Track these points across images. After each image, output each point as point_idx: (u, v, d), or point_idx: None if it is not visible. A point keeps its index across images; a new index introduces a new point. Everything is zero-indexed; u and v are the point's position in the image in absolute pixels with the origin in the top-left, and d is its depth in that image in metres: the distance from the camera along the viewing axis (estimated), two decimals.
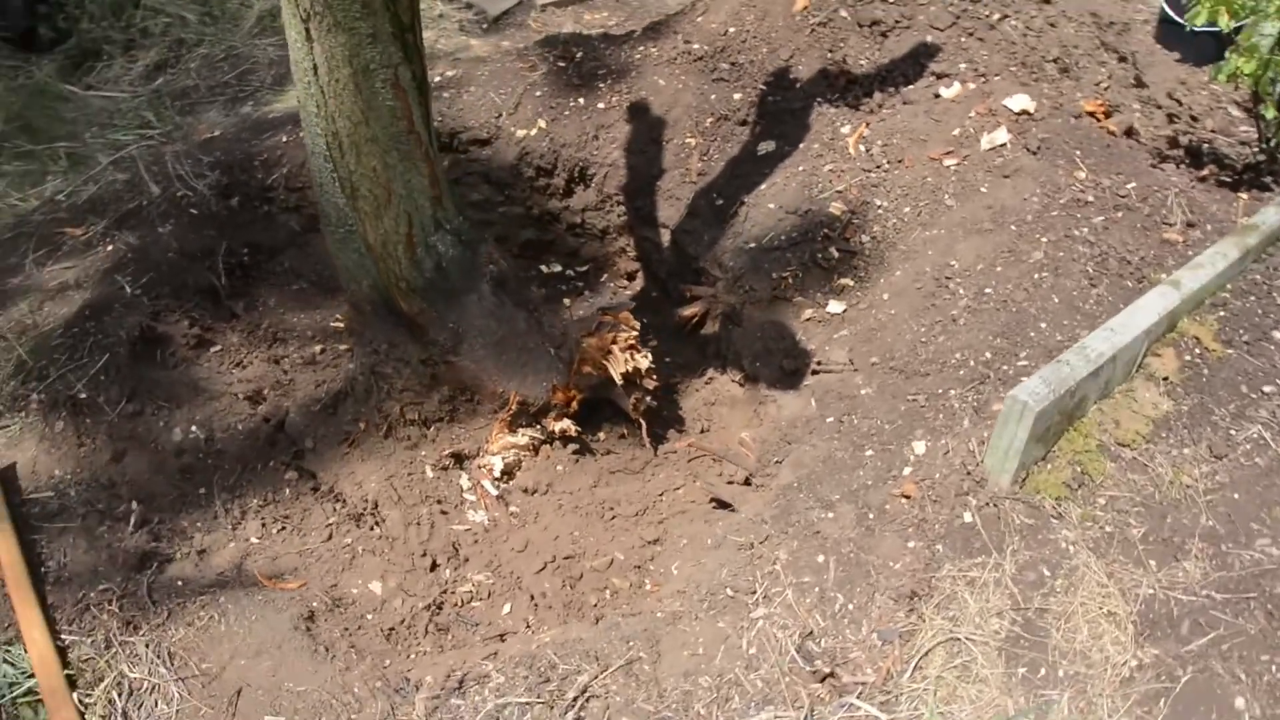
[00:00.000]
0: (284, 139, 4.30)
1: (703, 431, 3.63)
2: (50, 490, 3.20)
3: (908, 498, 2.78)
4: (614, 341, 3.39)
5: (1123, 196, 3.41)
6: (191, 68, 4.77)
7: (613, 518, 3.34)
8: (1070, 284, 3.15)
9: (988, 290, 3.19)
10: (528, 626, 3.07)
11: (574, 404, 3.43)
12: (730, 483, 3.30)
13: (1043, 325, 3.05)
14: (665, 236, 4.09)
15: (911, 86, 3.86)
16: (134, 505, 3.25)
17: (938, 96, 3.78)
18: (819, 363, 3.37)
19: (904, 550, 2.70)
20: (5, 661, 2.87)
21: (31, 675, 2.81)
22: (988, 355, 3.04)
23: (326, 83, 2.83)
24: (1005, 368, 2.99)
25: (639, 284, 4.28)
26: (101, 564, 3.04)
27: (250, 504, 3.41)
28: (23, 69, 4.81)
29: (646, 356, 3.42)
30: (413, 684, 2.73)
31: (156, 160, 4.32)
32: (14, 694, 2.79)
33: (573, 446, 3.48)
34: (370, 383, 3.43)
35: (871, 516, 2.78)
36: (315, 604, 3.01)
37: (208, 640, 2.83)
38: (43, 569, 3.02)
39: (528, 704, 2.57)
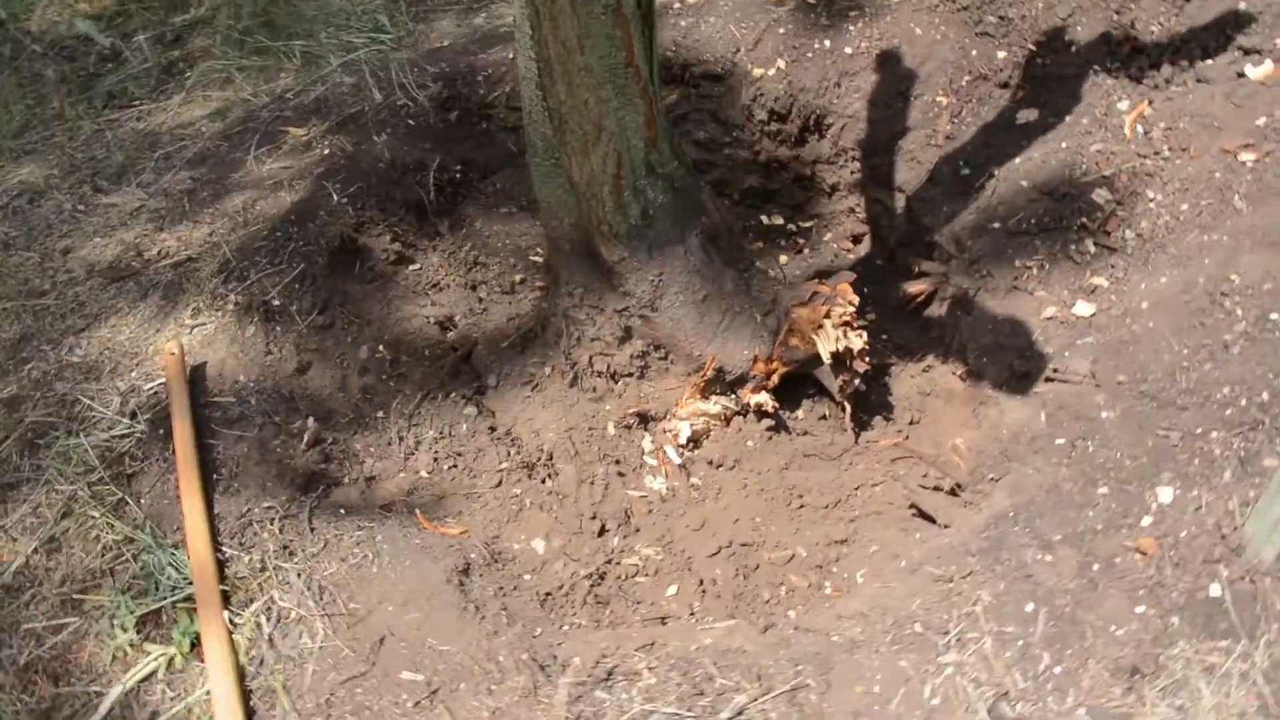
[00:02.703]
0: (510, 54, 3.94)
1: (912, 423, 3.12)
2: (233, 395, 3.00)
3: (1144, 553, 2.23)
4: (828, 315, 2.90)
5: None
6: None
7: (800, 507, 2.90)
8: None
9: (1274, 316, 2.54)
10: (692, 613, 2.69)
11: (774, 377, 2.98)
12: (936, 488, 2.79)
13: None
14: (899, 201, 3.54)
15: (1210, 62, 3.14)
16: (310, 422, 3.01)
17: (1242, 76, 3.06)
18: (1055, 370, 2.80)
19: (1130, 615, 2.17)
20: (171, 565, 2.69)
21: (191, 583, 2.62)
22: (1264, 397, 2.40)
23: (542, 2, 2.41)
24: None
25: (864, 249, 3.76)
26: (270, 479, 2.82)
27: (425, 435, 3.13)
28: None
29: (861, 336, 2.92)
30: (560, 663, 2.38)
31: (383, 66, 4.05)
32: (174, 597, 2.60)
33: (767, 422, 3.04)
34: (562, 326, 3.06)
35: (1096, 568, 2.25)
36: (473, 555, 2.72)
37: (358, 579, 2.57)
38: (214, 475, 2.82)
39: (676, 715, 2.18)
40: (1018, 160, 3.25)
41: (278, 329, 3.20)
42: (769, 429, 3.05)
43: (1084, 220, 2.99)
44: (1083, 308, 2.89)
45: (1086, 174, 3.07)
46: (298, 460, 2.93)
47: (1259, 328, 2.55)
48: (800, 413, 3.14)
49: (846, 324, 2.93)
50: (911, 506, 2.79)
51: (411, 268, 3.60)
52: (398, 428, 3.16)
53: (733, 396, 3.02)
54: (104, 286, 3.48)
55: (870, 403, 3.17)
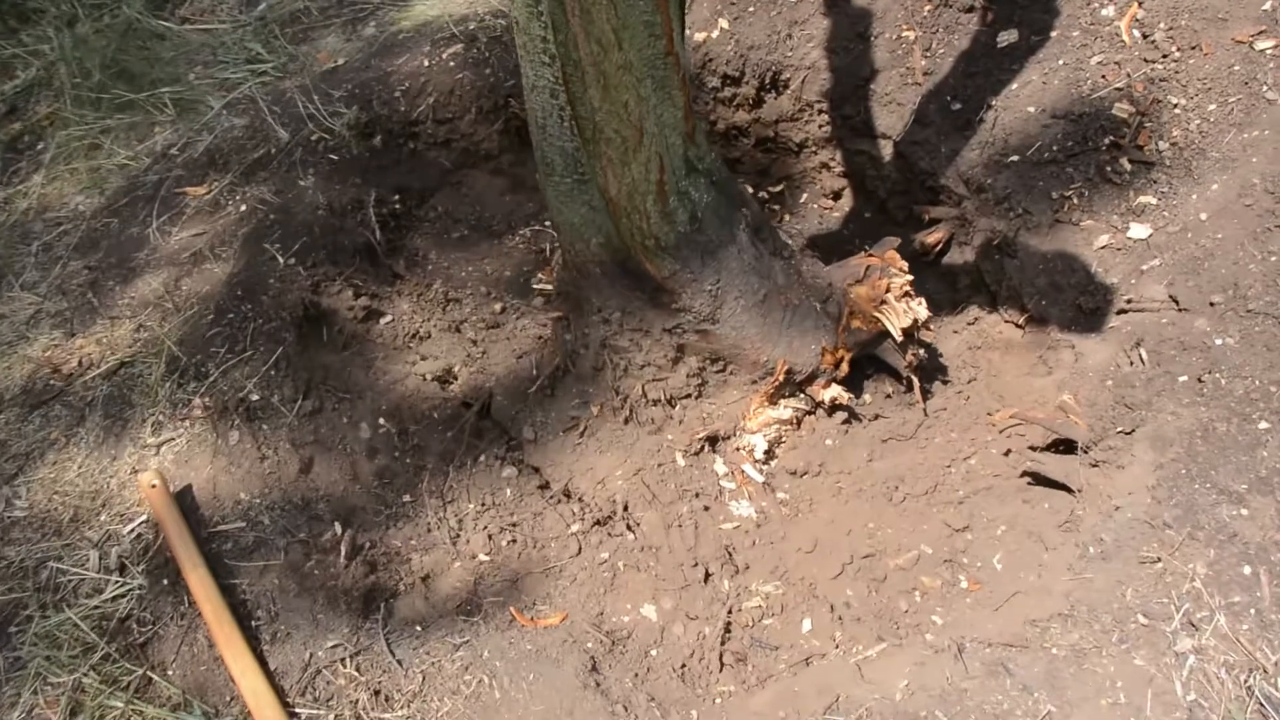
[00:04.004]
0: (424, 62, 3.40)
1: (970, 382, 2.85)
2: (239, 519, 2.45)
3: None
4: (888, 290, 2.58)
5: None
6: None
7: (902, 500, 2.60)
8: None
9: None
10: (837, 646, 2.35)
11: (844, 366, 2.64)
12: (1047, 448, 2.53)
13: None
14: (887, 149, 3.22)
15: None
16: (338, 528, 2.49)
17: None
18: (1128, 300, 2.58)
19: None
20: None
21: None
22: None
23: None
24: None
25: (847, 204, 3.43)
26: (320, 611, 2.32)
27: (466, 511, 2.66)
28: (108, 6, 3.86)
29: (922, 304, 2.62)
30: None
31: (278, 99, 3.43)
32: None
33: (841, 416, 2.71)
34: (603, 358, 2.63)
35: None
36: (589, 644, 2.29)
37: (483, 711, 2.10)
38: (252, 622, 2.28)
39: None
40: (1015, 86, 2.99)
41: (264, 428, 2.64)
42: (843, 422, 2.73)
43: (1111, 138, 2.76)
44: (1138, 230, 2.67)
45: (1096, 89, 2.84)
46: (343, 579, 2.42)
47: None
48: (867, 396, 2.83)
49: (907, 294, 2.62)
50: (1024, 475, 2.53)
51: (384, 321, 3.07)
52: (433, 510, 2.67)
53: (803, 396, 2.68)
54: (24, 418, 2.81)
55: (923, 369, 2.88)
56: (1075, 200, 2.78)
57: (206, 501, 2.53)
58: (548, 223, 3.48)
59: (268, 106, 3.41)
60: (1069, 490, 2.42)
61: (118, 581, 2.42)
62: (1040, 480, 2.50)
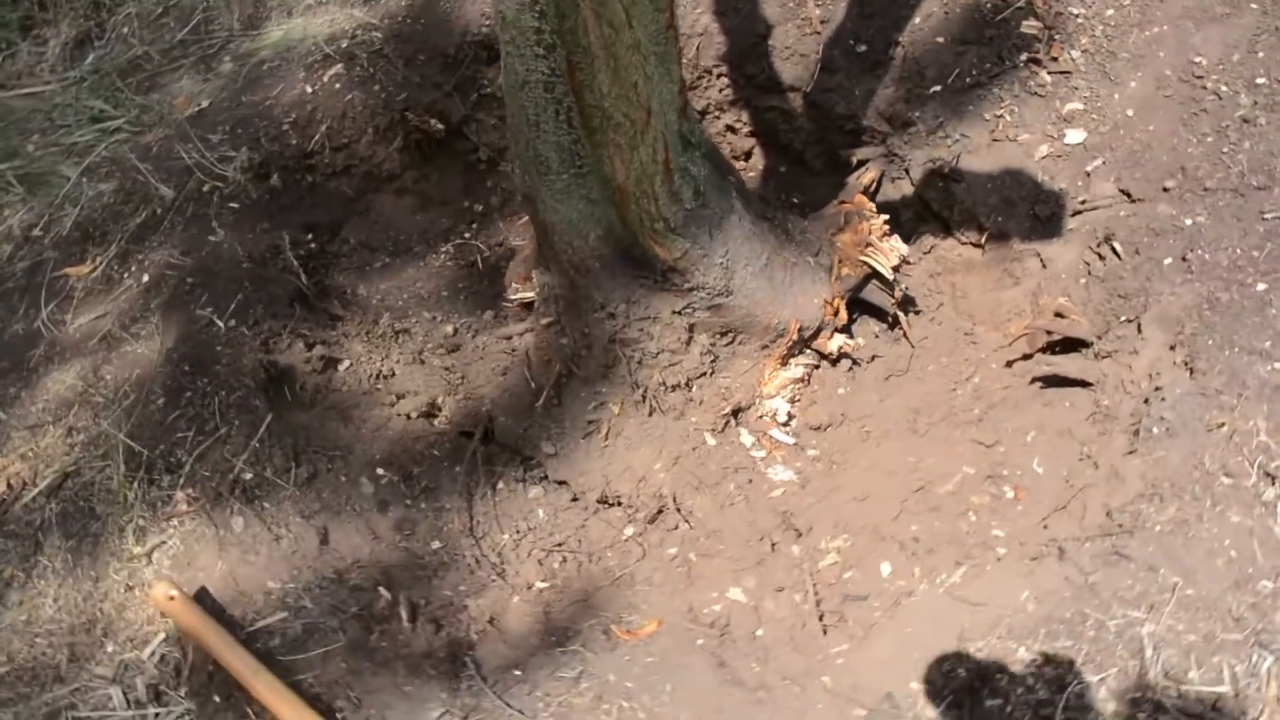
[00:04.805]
0: (307, 89, 3.12)
1: (940, 307, 2.91)
2: (280, 609, 2.19)
3: None
4: (870, 233, 2.59)
5: None
6: (125, 33, 3.39)
7: (926, 430, 2.63)
8: None
9: (1260, 82, 2.58)
10: (922, 581, 2.35)
11: (841, 314, 2.63)
12: (1045, 351, 2.61)
13: None
14: (797, 101, 3.23)
15: None
16: (384, 593, 2.26)
17: None
18: (1082, 201, 2.71)
19: None
20: None
21: None
22: None
23: None
24: None
25: (759, 163, 3.41)
26: (405, 682, 2.12)
27: (502, 542, 2.50)
28: None
29: (898, 240, 2.64)
30: (896, 697, 1.99)
31: (145, 155, 3.05)
32: None
33: (845, 364, 2.70)
34: (612, 354, 2.50)
35: None
36: (700, 640, 2.19)
37: None
38: (338, 716, 2.04)
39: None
40: (917, 20, 3.05)
41: (267, 506, 2.36)
42: (848, 370, 2.72)
43: (1026, 55, 2.87)
44: (1074, 135, 2.80)
45: (999, 11, 2.94)
46: (415, 643, 2.20)
47: (1264, 94, 2.58)
48: (860, 339, 2.83)
49: (886, 234, 2.64)
50: (1034, 381, 2.61)
51: (343, 368, 2.80)
52: (468, 550, 2.47)
53: (809, 352, 2.65)
54: None
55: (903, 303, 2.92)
56: (1008, 118, 2.89)
57: (231, 600, 2.24)
58: (467, 235, 3.31)
59: (138, 165, 3.03)
60: (1085, 385, 2.53)
61: (157, 713, 2.11)
62: (1054, 382, 2.59)
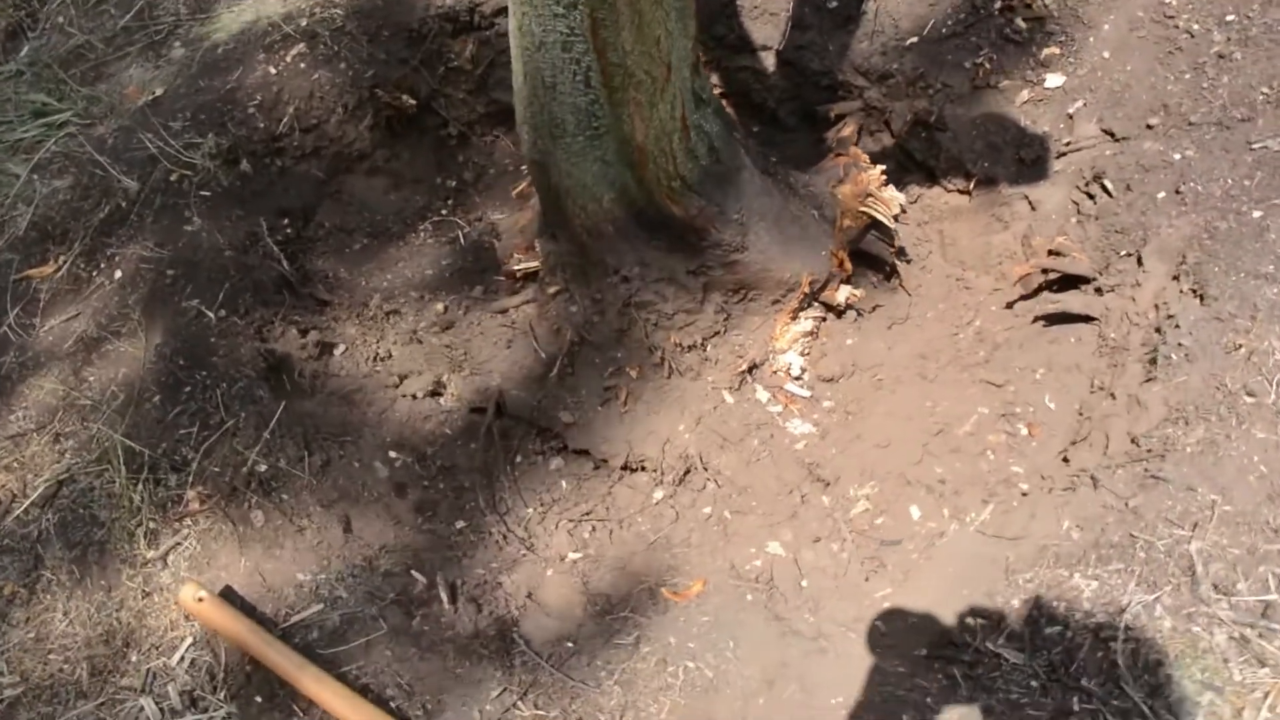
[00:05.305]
0: (270, 70, 2.97)
1: (930, 255, 2.93)
2: (315, 602, 2.11)
3: None
4: (869, 183, 2.58)
5: None
6: (61, 22, 3.18)
7: (935, 375, 2.64)
8: None
9: (1230, 19, 2.64)
10: (953, 521, 2.36)
11: (846, 265, 2.62)
12: (1043, 290, 2.64)
13: None
14: (769, 60, 3.20)
15: None
16: (417, 576, 2.18)
17: None
18: (1066, 143, 2.74)
19: None
20: None
21: None
22: None
23: None
24: None
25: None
26: (458, 665, 2.04)
27: (527, 515, 2.44)
28: None
29: (895, 190, 2.64)
30: (953, 633, 1.99)
31: (103, 147, 2.88)
32: None
33: (850, 315, 2.69)
34: (627, 318, 2.44)
35: None
36: (749, 596, 2.16)
37: (703, 696, 1.93)
38: (392, 704, 1.96)
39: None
40: None
41: (285, 497, 2.25)
42: (853, 321, 2.71)
43: (1000, 2, 2.90)
44: (1053, 79, 2.83)
45: None
46: (460, 624, 2.12)
47: (1235, 30, 2.64)
48: (860, 290, 2.83)
49: (883, 183, 2.64)
50: (1037, 320, 2.64)
51: (339, 352, 2.69)
52: (494, 527, 2.40)
53: (817, 305, 2.63)
54: None
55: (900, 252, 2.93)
56: (987, 65, 2.91)
57: (261, 597, 2.13)
58: (444, 212, 3.21)
59: (96, 157, 2.86)
60: (1089, 320, 2.57)
61: (196, 719, 1.99)
62: (1057, 320, 2.63)
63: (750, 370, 2.59)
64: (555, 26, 1.99)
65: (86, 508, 2.29)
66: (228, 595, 2.13)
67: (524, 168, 2.91)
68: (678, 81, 2.10)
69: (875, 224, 2.68)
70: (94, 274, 2.73)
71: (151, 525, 2.22)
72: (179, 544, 2.20)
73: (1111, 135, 2.73)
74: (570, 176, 2.25)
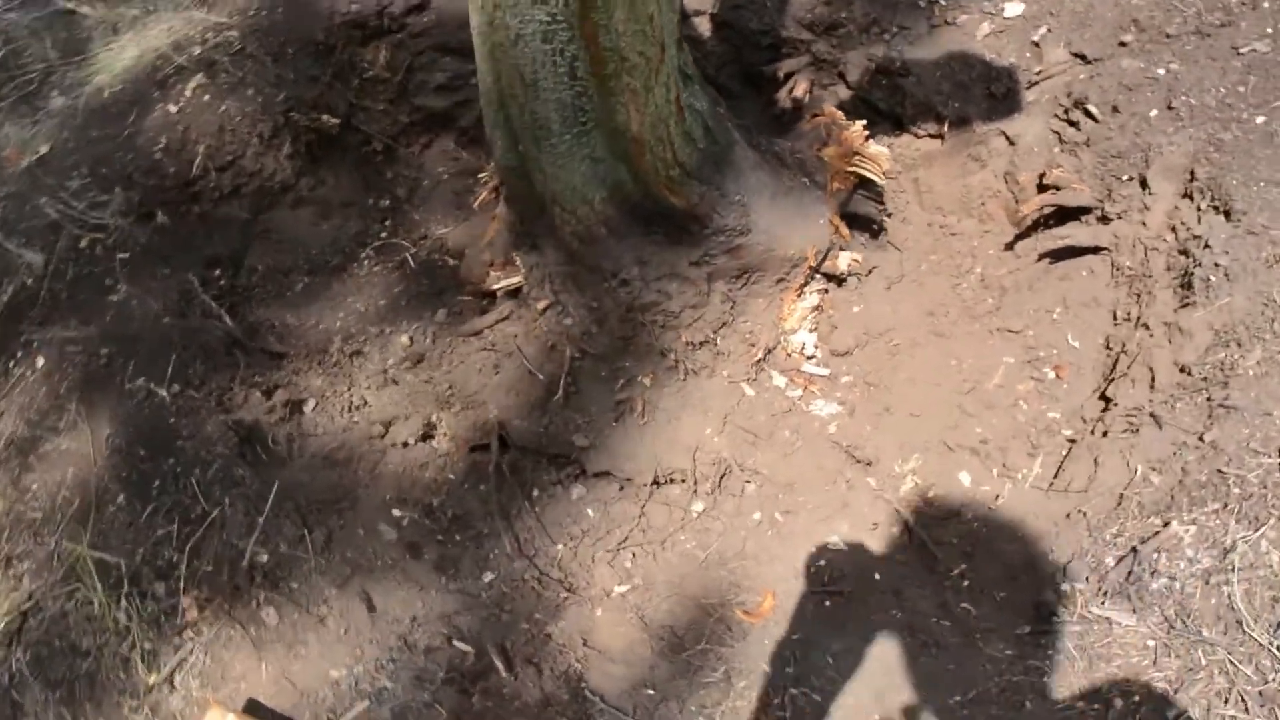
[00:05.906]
0: (171, 108, 2.64)
1: (908, 205, 2.78)
2: (360, 698, 1.86)
3: None
4: (853, 141, 2.42)
5: None
6: None
7: (949, 330, 2.50)
8: None
9: None
10: (1008, 481, 2.23)
11: (843, 231, 2.45)
12: (1038, 227, 2.53)
13: None
14: (704, 25, 3.00)
15: None
16: (461, 646, 1.95)
17: None
18: (1037, 72, 2.62)
19: None
20: None
21: None
22: None
23: None
24: None
25: None
26: None
27: (557, 553, 2.21)
28: None
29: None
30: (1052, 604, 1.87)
31: None
32: None
33: (851, 282, 2.53)
34: (630, 324, 2.22)
35: None
36: (829, 603, 1.98)
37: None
38: None
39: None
40: None
41: (295, 585, 1.98)
42: (854, 288, 2.55)
43: None
44: (1013, 8, 2.70)
45: None
46: (527, 693, 1.88)
47: None
48: (858, 256, 2.66)
49: (866, 139, 2.48)
50: (1043, 257, 2.52)
51: (309, 409, 2.40)
52: (527, 574, 2.16)
53: (818, 277, 2.46)
54: None
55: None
56: (943, 2, 2.78)
57: (293, 704, 1.86)
58: (384, 235, 2.92)
59: None
60: (1097, 251, 2.46)
61: None
62: (1063, 255, 2.52)
63: (764, 357, 2.41)
64: (534, 16, 1.76)
65: (63, 637, 1.97)
66: (253, 710, 1.87)
67: (480, 176, 2.65)
68: (670, 61, 1.89)
69: (863, 183, 2.54)
70: (11, 366, 2.38)
71: (147, 645, 1.92)
72: (184, 661, 1.90)
73: (1083, 58, 2.62)
74: (557, 180, 2.02)
